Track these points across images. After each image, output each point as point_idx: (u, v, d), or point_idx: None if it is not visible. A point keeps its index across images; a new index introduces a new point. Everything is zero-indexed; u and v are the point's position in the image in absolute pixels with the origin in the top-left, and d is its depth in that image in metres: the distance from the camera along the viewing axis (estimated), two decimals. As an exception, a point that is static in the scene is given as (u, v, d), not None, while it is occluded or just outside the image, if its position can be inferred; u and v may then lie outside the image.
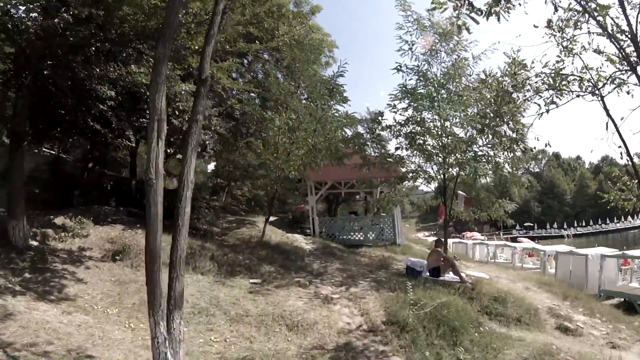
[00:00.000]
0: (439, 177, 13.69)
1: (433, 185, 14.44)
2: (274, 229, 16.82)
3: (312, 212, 18.75)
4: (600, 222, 77.42)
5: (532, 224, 75.07)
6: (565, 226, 75.94)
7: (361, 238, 18.92)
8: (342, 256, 14.20)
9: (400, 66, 13.40)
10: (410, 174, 13.90)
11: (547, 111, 8.46)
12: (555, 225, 77.47)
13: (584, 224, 78.77)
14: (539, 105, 8.71)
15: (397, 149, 14.03)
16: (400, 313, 7.99)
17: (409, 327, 7.61)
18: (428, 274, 11.57)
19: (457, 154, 13.04)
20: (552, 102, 8.48)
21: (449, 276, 11.50)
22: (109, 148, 16.81)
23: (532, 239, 54.53)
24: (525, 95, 9.16)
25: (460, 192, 14.18)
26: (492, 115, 9.66)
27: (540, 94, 8.75)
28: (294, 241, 15.50)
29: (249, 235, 14.70)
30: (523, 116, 9.77)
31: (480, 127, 10.01)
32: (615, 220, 76.59)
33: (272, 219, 22.11)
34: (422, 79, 13.18)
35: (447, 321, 7.86)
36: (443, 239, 13.13)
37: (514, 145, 12.90)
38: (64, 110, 11.24)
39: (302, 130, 13.24)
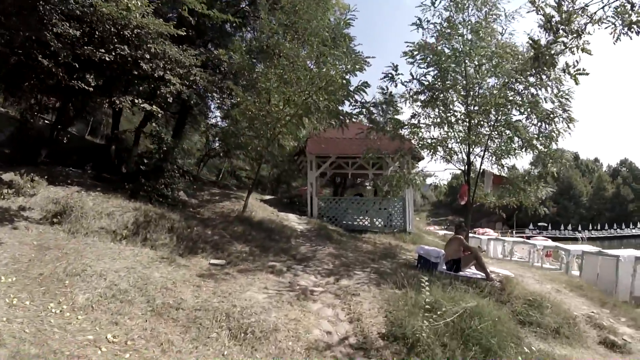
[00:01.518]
0: (463, 148, 10.85)
1: (454, 160, 11.46)
2: (264, 206, 14.16)
3: (311, 189, 15.83)
4: (615, 227, 73.61)
5: (545, 224, 71.18)
6: (580, 228, 71.98)
7: (367, 224, 16.07)
8: (339, 240, 11.43)
9: (421, 21, 10.75)
10: (428, 145, 11.00)
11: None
12: (570, 227, 73.44)
13: (599, 228, 74.80)
14: (614, 24, 5.86)
15: (412, 116, 11.24)
16: (409, 321, 5.15)
17: (421, 344, 4.82)
18: (445, 267, 8.77)
19: (488, 116, 10.26)
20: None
21: (470, 271, 8.74)
22: (84, 107, 14.48)
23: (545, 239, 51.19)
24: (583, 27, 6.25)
25: (487, 169, 11.26)
26: (549, 39, 6.66)
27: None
28: (284, 220, 12.74)
29: (229, 210, 11.99)
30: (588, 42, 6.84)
31: (533, 54, 7.09)
32: (631, 226, 72.62)
33: (268, 197, 19.53)
34: (446, 35, 10.45)
35: (477, 336, 5.13)
36: (465, 225, 10.21)
37: (555, 114, 10.03)
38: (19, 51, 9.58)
39: (295, 82, 10.42)
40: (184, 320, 5.10)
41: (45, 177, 10.28)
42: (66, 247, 6.98)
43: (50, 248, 6.89)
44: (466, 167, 11.06)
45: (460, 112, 10.71)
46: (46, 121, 16.40)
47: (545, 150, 10.44)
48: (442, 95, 10.56)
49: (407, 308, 5.60)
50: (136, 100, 10.59)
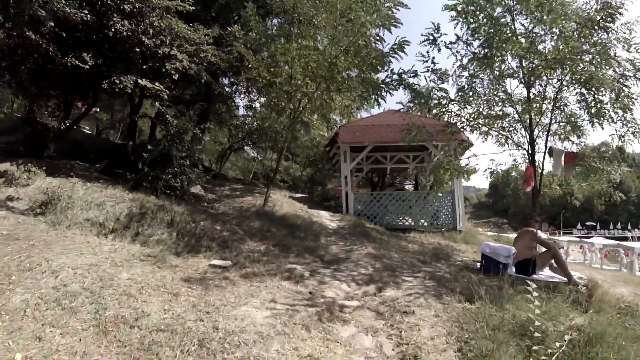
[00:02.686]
0: (525, 121, 8.65)
1: (515, 138, 9.21)
2: (291, 202, 12.25)
3: (346, 184, 13.76)
4: (667, 224, 67.37)
5: (594, 223, 65.88)
6: (629, 227, 66.15)
7: (410, 222, 13.77)
8: (379, 239, 9.35)
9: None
10: (484, 118, 8.83)
11: None
12: (619, 226, 67.62)
13: (648, 226, 68.71)
14: None
15: (460, 89, 9.07)
16: (500, 358, 3.06)
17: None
18: (514, 269, 6.55)
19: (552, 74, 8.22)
20: None
21: (545, 274, 6.47)
22: (96, 99, 13.19)
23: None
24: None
25: (555, 146, 8.92)
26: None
27: None
28: (314, 216, 10.74)
29: (250, 204, 10.17)
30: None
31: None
32: (684, 222, 66.34)
33: (299, 195, 17.63)
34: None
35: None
36: (536, 216, 7.88)
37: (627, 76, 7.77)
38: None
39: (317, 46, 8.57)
40: (136, 344, 3.27)
41: (44, 168, 9.16)
42: (37, 239, 5.71)
43: (19, 239, 5.67)
44: (529, 146, 8.85)
45: (519, 71, 8.58)
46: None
47: (624, 119, 8.13)
48: (496, 53, 8.40)
49: (488, 334, 3.42)
50: (139, 80, 9.05)
